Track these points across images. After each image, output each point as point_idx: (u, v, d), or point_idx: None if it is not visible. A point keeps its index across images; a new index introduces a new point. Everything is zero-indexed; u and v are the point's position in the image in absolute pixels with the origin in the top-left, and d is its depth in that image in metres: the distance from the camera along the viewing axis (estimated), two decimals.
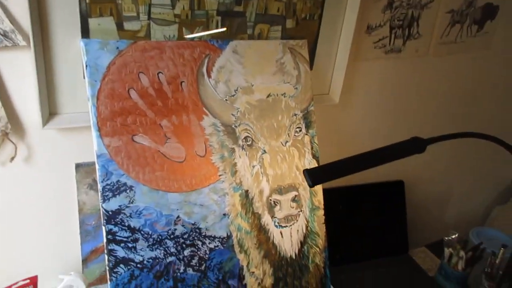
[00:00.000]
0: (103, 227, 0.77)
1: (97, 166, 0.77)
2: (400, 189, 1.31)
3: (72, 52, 0.77)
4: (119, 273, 0.79)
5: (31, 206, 0.87)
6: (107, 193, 0.77)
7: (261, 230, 0.93)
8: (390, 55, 1.16)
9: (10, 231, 0.87)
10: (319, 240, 1.00)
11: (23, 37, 0.71)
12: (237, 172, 0.90)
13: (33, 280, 0.84)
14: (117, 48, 0.78)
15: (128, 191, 0.79)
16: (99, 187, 0.77)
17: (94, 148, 0.77)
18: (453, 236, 1.21)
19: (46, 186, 0.87)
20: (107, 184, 0.78)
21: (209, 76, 0.87)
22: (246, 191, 0.91)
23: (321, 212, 1.00)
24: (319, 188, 1.00)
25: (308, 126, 0.98)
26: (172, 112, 0.83)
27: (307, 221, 0.98)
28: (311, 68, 1.05)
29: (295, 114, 0.96)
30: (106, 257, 0.78)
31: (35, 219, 0.89)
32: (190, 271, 0.85)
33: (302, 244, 0.98)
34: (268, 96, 0.93)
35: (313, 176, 0.65)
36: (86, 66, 0.76)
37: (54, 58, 0.78)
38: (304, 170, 0.65)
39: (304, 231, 0.98)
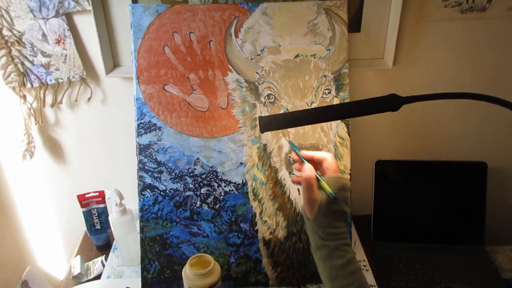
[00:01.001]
0: (136, 157, 0.96)
1: (134, 107, 0.96)
2: (482, 172, 1.13)
3: (127, 15, 0.97)
4: (146, 196, 0.97)
5: (103, 138, 1.13)
6: (141, 129, 0.96)
7: (277, 184, 0.98)
8: (469, 15, 1.02)
9: (88, 154, 1.15)
10: None
11: (88, 3, 0.94)
12: (257, 126, 0.97)
13: (101, 194, 1.10)
14: (157, 11, 0.94)
15: (157, 130, 0.96)
16: (135, 124, 0.96)
17: (133, 93, 0.95)
18: None
19: (115, 123, 1.11)
20: (141, 123, 0.96)
21: (236, 36, 0.96)
22: (265, 145, 0.97)
23: (346, 177, 0.99)
24: (346, 153, 0.99)
25: (339, 89, 0.97)
26: (199, 67, 0.96)
27: None
28: (358, 30, 1.02)
29: (325, 76, 0.97)
30: (137, 181, 0.97)
31: (107, 151, 1.15)
32: (205, 207, 0.98)
33: None
34: (296, 56, 0.96)
35: (263, 123, 0.68)
36: (131, 26, 0.94)
37: (113, 21, 0.99)
38: (258, 117, 0.69)
39: None
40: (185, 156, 0.97)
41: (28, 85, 1.02)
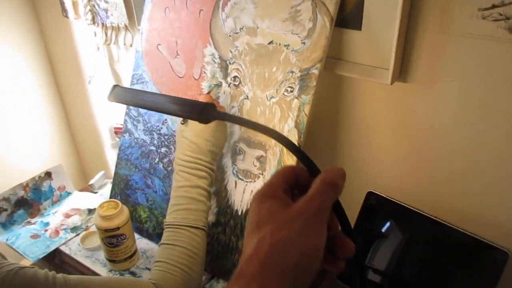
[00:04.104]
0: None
1: (134, 59, 1.06)
2: (500, 261, 0.80)
3: None
4: (125, 138, 1.09)
5: None
6: (134, 79, 1.07)
7: (219, 168, 0.95)
8: None
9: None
10: None
11: None
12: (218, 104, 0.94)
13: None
14: None
15: (144, 83, 1.05)
16: (132, 73, 1.07)
17: (138, 48, 1.06)
18: None
19: None
20: (135, 73, 1.06)
21: (222, 10, 0.92)
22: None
23: None
24: (290, 163, 0.86)
25: (302, 90, 0.84)
26: (186, 34, 0.98)
27: None
28: (359, 27, 0.83)
29: (292, 72, 0.85)
30: (123, 121, 1.10)
31: None
32: (160, 165, 1.04)
33: None
34: (270, 43, 0.87)
35: (116, 93, 0.67)
36: None
37: None
38: (114, 84, 0.68)
39: None
40: (157, 113, 1.03)
41: (96, 24, 1.25)
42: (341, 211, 0.39)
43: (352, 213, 0.97)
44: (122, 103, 0.68)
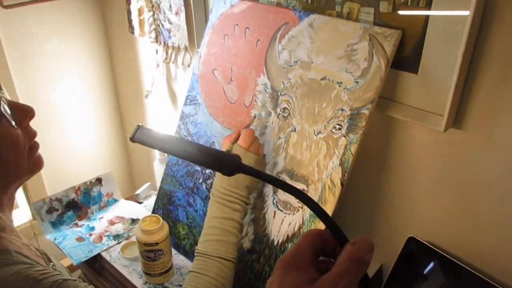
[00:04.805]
0: (179, 122, 1.13)
1: (190, 81, 1.10)
2: None
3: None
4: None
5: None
6: (187, 100, 1.10)
7: (260, 197, 0.96)
8: None
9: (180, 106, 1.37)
10: None
11: None
12: (264, 134, 0.96)
13: None
14: (231, 3, 1.03)
15: (197, 105, 1.09)
16: (186, 94, 1.11)
17: (194, 71, 1.10)
18: None
19: None
20: (190, 95, 1.10)
21: (279, 42, 0.94)
22: (264, 155, 0.95)
23: (322, 225, 0.86)
24: (331, 201, 0.85)
25: (350, 129, 0.83)
26: (241, 61, 1.00)
27: (303, 223, 0.89)
28: (415, 71, 0.81)
29: (342, 109, 0.84)
30: None
31: None
32: (203, 186, 1.06)
33: (288, 239, 0.91)
34: (323, 78, 0.87)
35: (139, 134, 0.68)
36: (211, 11, 1.07)
37: (209, 5, 1.13)
38: (138, 125, 0.70)
39: (296, 229, 0.90)
40: (206, 135, 1.06)
41: (158, 42, 1.32)
42: (369, 284, 0.37)
43: (392, 257, 0.94)
44: (146, 145, 0.70)
